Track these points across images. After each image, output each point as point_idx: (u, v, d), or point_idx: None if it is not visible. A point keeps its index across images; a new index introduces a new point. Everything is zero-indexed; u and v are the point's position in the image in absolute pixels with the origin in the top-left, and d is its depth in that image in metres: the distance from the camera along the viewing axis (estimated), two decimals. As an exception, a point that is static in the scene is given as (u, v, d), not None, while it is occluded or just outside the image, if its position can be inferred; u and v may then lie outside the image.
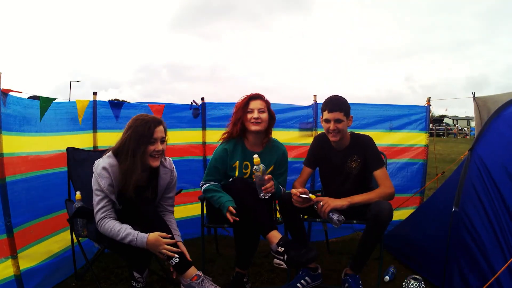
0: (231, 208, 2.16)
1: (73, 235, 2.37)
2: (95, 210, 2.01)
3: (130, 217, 2.02)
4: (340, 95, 2.43)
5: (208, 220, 2.55)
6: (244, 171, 2.44)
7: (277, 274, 2.65)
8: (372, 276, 2.55)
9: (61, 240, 2.60)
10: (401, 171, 3.52)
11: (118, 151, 2.04)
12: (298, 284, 2.36)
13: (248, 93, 2.47)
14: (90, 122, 3.06)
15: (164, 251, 1.93)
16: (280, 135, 3.52)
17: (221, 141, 2.50)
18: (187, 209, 3.35)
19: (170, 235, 1.99)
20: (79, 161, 2.56)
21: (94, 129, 3.08)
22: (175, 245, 1.99)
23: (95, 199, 2.02)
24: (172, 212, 2.31)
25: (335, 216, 2.17)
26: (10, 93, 2.18)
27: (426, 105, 3.53)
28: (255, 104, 2.40)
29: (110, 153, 2.06)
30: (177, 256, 1.97)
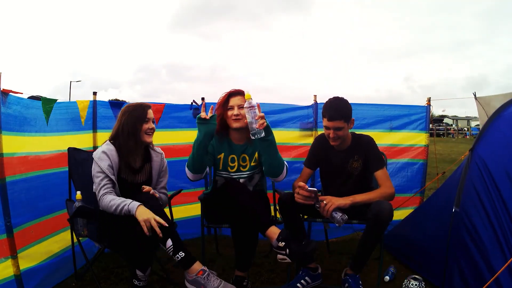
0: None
1: (73, 235, 2.37)
2: (97, 191, 2.12)
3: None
4: (341, 98, 2.39)
5: (206, 220, 2.54)
6: (231, 164, 2.45)
7: (277, 274, 2.65)
8: (372, 276, 2.55)
9: (61, 240, 2.60)
10: (401, 171, 3.52)
11: (115, 136, 2.26)
12: (298, 284, 2.36)
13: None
14: (90, 122, 3.06)
15: (152, 221, 1.94)
16: (280, 135, 3.53)
17: None
18: (187, 209, 3.35)
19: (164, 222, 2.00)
20: (79, 161, 2.56)
21: (94, 129, 3.08)
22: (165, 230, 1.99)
23: (96, 181, 2.15)
24: (166, 195, 2.47)
25: (338, 215, 2.17)
26: (10, 93, 2.18)
27: (426, 105, 3.53)
28: (234, 101, 2.39)
29: (107, 141, 2.27)
30: (182, 251, 2.00)
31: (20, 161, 2.30)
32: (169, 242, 2.03)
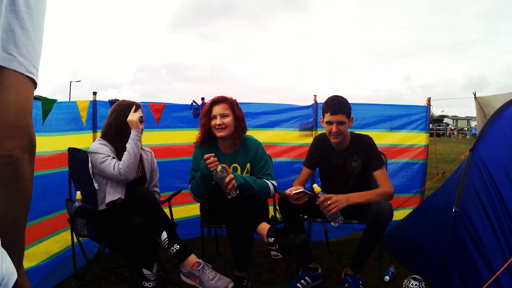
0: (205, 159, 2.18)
1: (73, 235, 2.37)
2: (111, 171, 2.19)
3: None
4: (341, 96, 2.43)
5: (205, 221, 2.54)
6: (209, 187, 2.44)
7: (277, 274, 2.65)
8: (372, 276, 2.55)
9: (61, 240, 2.60)
10: (401, 171, 3.52)
11: (106, 134, 2.36)
12: (298, 284, 2.36)
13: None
14: (90, 122, 3.05)
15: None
16: (280, 135, 3.53)
17: (196, 143, 2.51)
18: (187, 209, 3.35)
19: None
20: (80, 161, 2.56)
21: (94, 129, 3.08)
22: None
23: (102, 166, 2.21)
24: (158, 193, 2.56)
25: (338, 217, 2.17)
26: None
27: (426, 105, 3.53)
28: (217, 109, 2.38)
29: (98, 138, 2.37)
30: (177, 244, 2.05)
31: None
32: (164, 235, 2.05)
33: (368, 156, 2.42)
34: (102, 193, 2.28)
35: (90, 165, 2.27)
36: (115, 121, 2.33)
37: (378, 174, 2.38)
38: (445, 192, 2.55)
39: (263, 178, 2.41)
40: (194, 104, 3.50)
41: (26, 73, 1.15)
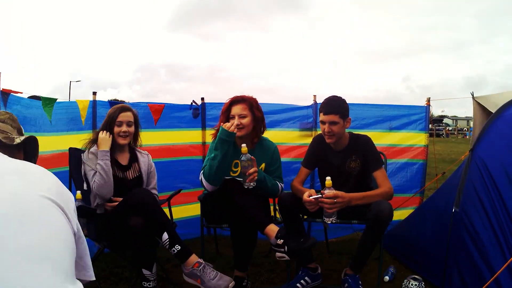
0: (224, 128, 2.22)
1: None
2: (92, 185, 2.26)
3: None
4: (338, 96, 2.42)
5: (206, 220, 2.55)
6: (233, 169, 2.45)
7: (277, 274, 2.65)
8: (372, 276, 2.55)
9: (61, 240, 2.60)
10: (401, 171, 3.52)
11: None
12: (298, 284, 2.36)
13: (249, 93, 2.47)
14: (90, 122, 3.05)
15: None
16: (280, 135, 3.53)
17: (212, 137, 2.49)
18: (187, 209, 3.35)
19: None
20: (80, 161, 2.56)
21: (94, 129, 3.07)
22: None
23: (89, 178, 2.28)
24: (156, 195, 2.53)
25: (333, 215, 2.17)
26: (11, 93, 2.19)
27: (425, 105, 3.53)
28: (236, 110, 2.39)
29: (93, 145, 2.38)
30: (178, 244, 2.06)
31: (20, 161, 2.30)
32: (165, 236, 2.06)
33: (366, 156, 2.42)
34: (93, 195, 2.31)
35: (83, 169, 2.35)
36: (105, 124, 2.39)
37: (378, 174, 2.37)
38: (445, 193, 2.55)
39: (276, 180, 2.49)
40: (193, 104, 3.50)
41: None
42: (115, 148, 2.38)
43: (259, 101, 2.53)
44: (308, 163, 2.58)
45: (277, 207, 2.50)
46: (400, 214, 3.29)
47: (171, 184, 3.21)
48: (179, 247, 2.05)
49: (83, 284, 0.88)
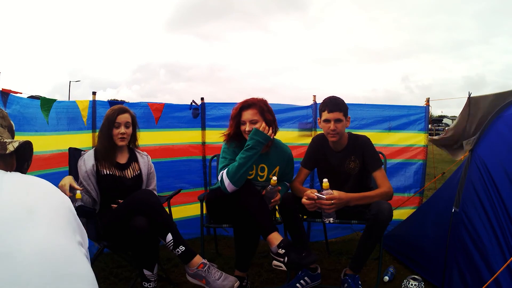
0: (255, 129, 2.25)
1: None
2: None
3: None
4: (337, 96, 2.44)
5: (208, 220, 2.55)
6: (249, 172, 2.42)
7: (276, 274, 2.65)
8: (372, 276, 2.56)
9: (61, 240, 2.59)
10: (400, 171, 3.52)
11: (98, 138, 2.45)
12: (298, 284, 2.36)
13: (248, 93, 2.47)
14: (89, 122, 3.05)
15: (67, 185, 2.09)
16: (279, 135, 3.52)
17: (224, 138, 2.46)
18: (187, 209, 3.35)
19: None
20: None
21: (94, 129, 3.07)
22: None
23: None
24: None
25: (331, 215, 2.17)
26: (10, 93, 2.18)
27: (425, 105, 3.53)
28: (246, 115, 2.35)
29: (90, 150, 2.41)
30: (182, 245, 2.05)
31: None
32: (169, 237, 2.05)
33: (366, 156, 2.42)
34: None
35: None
36: (103, 126, 2.41)
37: (377, 175, 2.38)
38: (445, 193, 2.55)
39: (284, 182, 2.58)
40: (193, 104, 3.50)
41: None
42: (114, 149, 2.39)
43: None
44: (308, 163, 2.59)
45: (277, 207, 2.50)
46: (400, 214, 3.29)
47: (171, 184, 3.21)
48: (184, 248, 2.05)
49: None
